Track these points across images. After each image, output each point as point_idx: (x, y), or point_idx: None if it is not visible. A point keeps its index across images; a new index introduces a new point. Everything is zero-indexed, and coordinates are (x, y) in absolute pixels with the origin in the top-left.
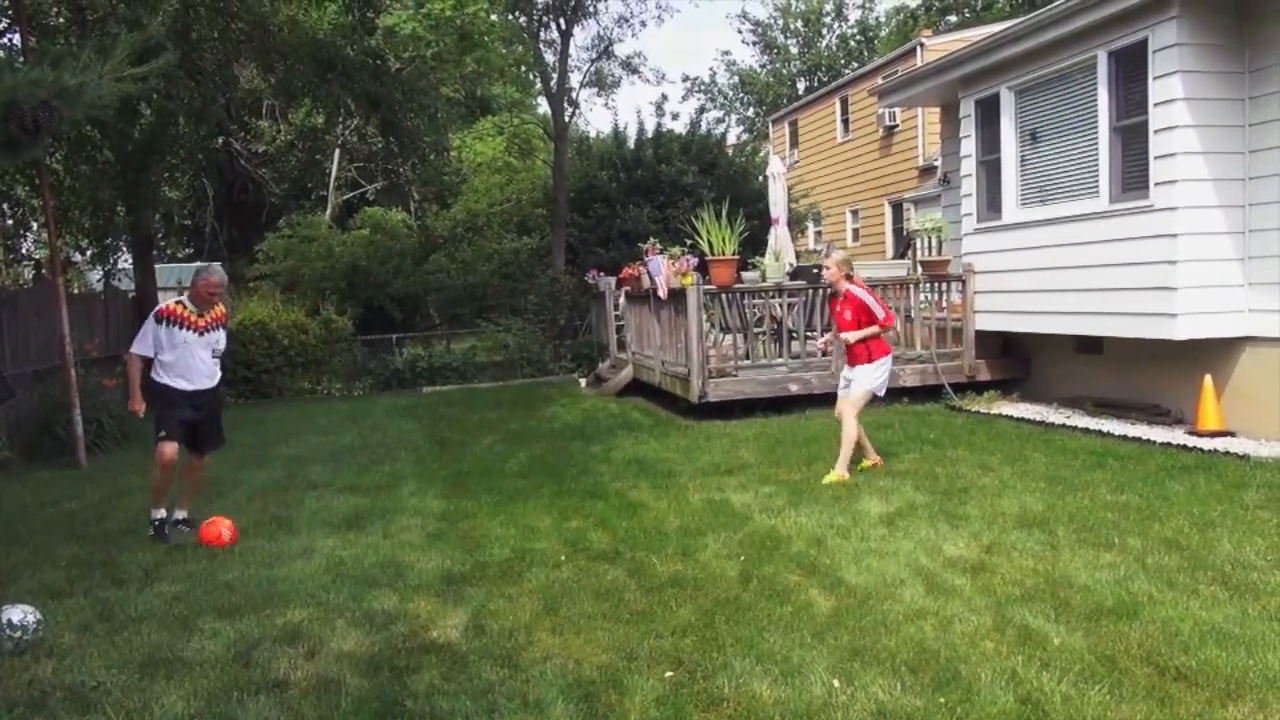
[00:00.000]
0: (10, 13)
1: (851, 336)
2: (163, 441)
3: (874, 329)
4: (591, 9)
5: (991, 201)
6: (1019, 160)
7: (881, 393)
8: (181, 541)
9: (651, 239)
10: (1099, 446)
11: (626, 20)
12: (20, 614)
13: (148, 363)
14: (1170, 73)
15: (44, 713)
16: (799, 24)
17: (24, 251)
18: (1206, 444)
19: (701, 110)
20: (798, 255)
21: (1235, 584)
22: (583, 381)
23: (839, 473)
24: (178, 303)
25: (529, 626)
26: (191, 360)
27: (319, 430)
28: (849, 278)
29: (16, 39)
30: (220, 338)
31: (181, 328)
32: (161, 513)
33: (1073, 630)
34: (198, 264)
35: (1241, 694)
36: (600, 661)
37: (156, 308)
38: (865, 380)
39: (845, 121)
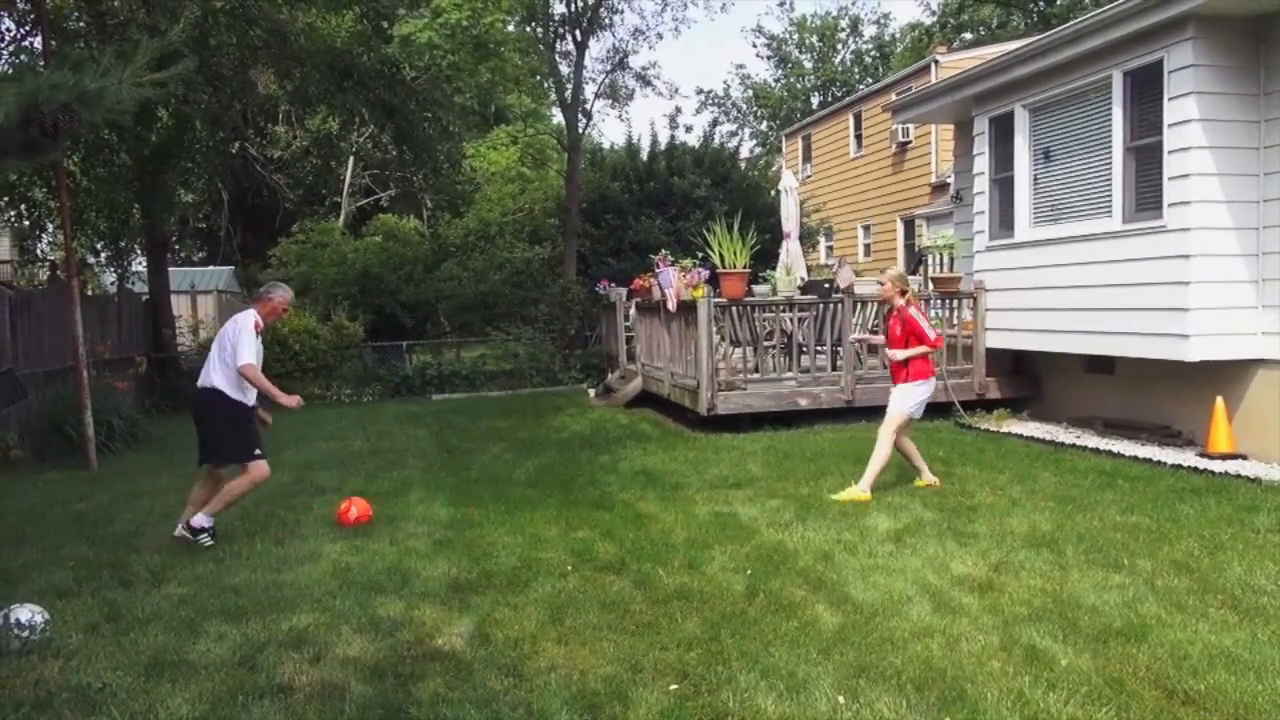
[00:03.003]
0: (33, 17)
1: (899, 355)
2: (260, 460)
3: (921, 349)
4: (607, 21)
5: (1004, 219)
6: (1032, 178)
7: (918, 415)
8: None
9: (663, 250)
10: (1109, 467)
11: (642, 33)
12: (28, 614)
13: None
14: (1185, 94)
15: (50, 713)
16: (814, 39)
17: (39, 252)
18: (1217, 466)
19: (715, 123)
20: (809, 270)
21: (1245, 608)
22: (591, 392)
23: (860, 489)
24: (255, 318)
25: (534, 636)
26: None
27: (328, 436)
28: (903, 294)
29: (38, 42)
30: None
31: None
32: (211, 520)
33: (1080, 651)
34: (270, 281)
35: (1250, 719)
36: (605, 673)
37: (249, 319)
38: (900, 402)
39: (858, 137)
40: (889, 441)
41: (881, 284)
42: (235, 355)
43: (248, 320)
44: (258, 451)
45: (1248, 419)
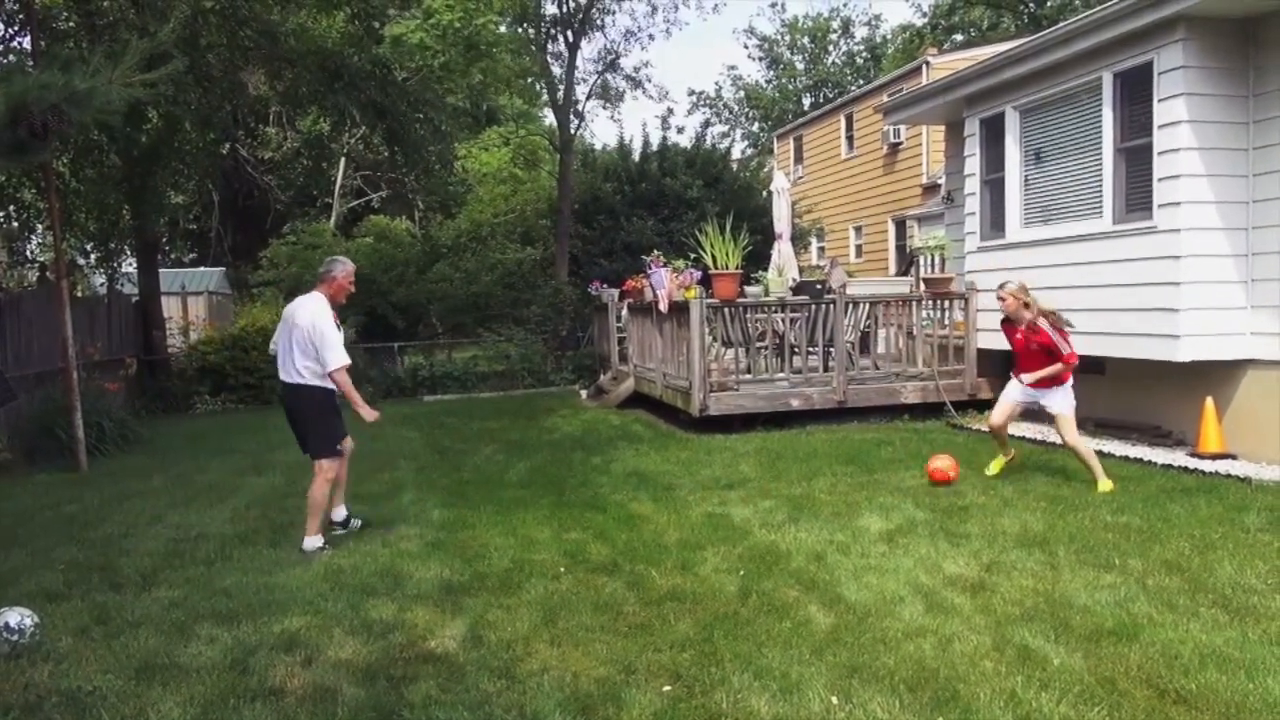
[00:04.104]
0: (21, 17)
1: (1029, 379)
2: (334, 457)
3: (1057, 367)
4: (599, 22)
5: (995, 220)
6: (1023, 179)
7: (1062, 412)
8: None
9: (655, 251)
10: None
11: (634, 34)
12: (18, 617)
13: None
14: (1175, 95)
15: (39, 717)
16: (805, 40)
17: (28, 254)
18: (1208, 466)
19: (707, 124)
20: (801, 270)
21: (1236, 607)
22: (584, 393)
23: (1103, 483)
24: (327, 306)
25: (527, 638)
26: None
27: None
28: (1027, 306)
29: (27, 42)
30: None
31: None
32: (321, 539)
33: (1072, 651)
34: (330, 258)
35: (1242, 718)
36: (598, 674)
37: (323, 310)
38: (1066, 405)
39: (850, 138)
40: (1080, 439)
41: (1003, 299)
42: (324, 360)
43: (323, 311)
44: (339, 447)
45: (1238, 419)
